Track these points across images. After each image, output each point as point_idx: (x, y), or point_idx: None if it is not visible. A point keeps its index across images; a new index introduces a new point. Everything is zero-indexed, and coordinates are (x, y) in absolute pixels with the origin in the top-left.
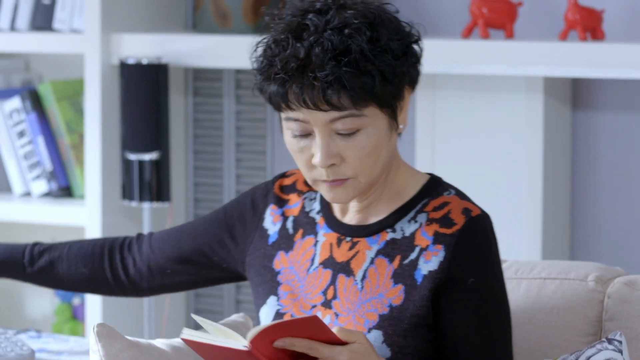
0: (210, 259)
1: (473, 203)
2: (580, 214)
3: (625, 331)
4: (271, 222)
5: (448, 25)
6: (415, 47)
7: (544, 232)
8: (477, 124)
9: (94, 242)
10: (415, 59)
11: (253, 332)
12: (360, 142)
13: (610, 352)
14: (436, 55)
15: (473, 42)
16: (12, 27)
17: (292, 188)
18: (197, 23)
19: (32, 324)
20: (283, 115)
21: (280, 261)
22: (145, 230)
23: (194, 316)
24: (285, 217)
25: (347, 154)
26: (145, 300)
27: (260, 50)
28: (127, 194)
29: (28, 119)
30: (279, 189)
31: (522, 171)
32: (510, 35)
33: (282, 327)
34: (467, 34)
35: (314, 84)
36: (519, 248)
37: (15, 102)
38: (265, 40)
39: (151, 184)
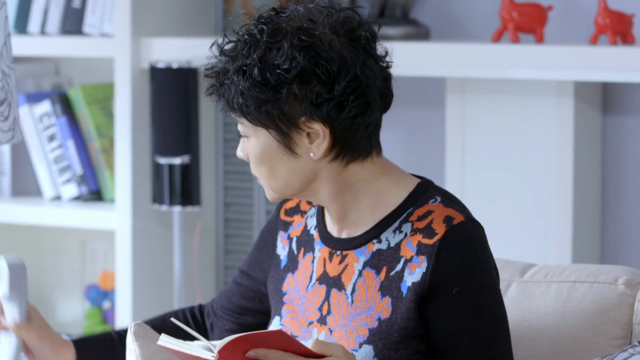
0: (261, 302)
1: (458, 210)
2: (610, 218)
3: None
4: (282, 248)
5: (478, 29)
6: (318, 74)
7: (574, 236)
8: (507, 128)
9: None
10: (302, 95)
11: (222, 342)
12: (248, 148)
13: None
14: (466, 59)
15: (503, 46)
16: (43, 31)
17: (296, 209)
18: (227, 27)
19: (63, 328)
20: None
21: (288, 282)
22: (175, 234)
23: (173, 320)
24: (290, 239)
25: (246, 153)
26: (176, 302)
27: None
28: (157, 197)
29: (58, 123)
30: (284, 214)
31: (553, 175)
32: (540, 39)
33: (251, 340)
34: (497, 38)
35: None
36: (549, 251)
37: (45, 106)
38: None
39: (181, 188)
